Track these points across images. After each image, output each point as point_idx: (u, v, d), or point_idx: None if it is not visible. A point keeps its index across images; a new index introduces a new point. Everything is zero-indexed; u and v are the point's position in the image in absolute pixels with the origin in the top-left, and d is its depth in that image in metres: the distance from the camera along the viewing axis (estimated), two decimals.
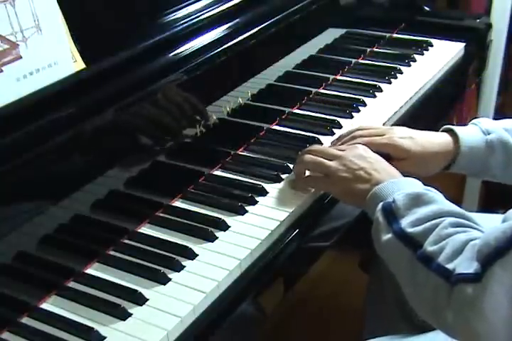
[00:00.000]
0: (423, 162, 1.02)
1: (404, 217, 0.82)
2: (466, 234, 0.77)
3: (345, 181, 0.93)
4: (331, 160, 0.96)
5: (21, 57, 0.78)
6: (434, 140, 1.03)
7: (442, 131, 1.06)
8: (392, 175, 0.92)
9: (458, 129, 1.03)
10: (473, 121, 1.07)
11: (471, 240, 0.75)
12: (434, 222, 0.79)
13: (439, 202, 0.83)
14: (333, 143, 1.10)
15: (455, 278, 0.73)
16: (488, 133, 1.02)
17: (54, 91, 0.82)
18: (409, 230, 0.80)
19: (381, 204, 0.85)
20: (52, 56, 0.82)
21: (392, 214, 0.83)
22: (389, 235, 0.82)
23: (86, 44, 0.87)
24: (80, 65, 0.85)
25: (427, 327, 1.01)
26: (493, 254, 0.70)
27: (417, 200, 0.83)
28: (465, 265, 0.73)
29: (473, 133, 1.03)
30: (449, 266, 0.74)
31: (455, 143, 1.02)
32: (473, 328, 0.72)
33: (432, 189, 0.86)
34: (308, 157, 0.98)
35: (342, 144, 1.05)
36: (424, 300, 0.78)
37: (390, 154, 1.02)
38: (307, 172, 1.02)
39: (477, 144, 1.02)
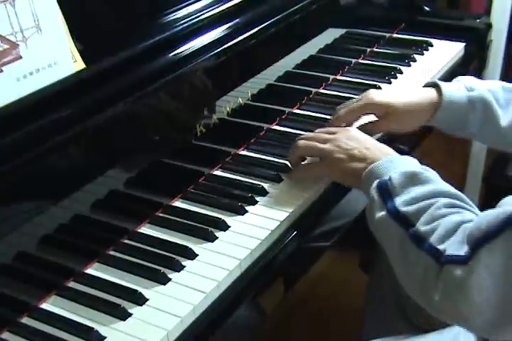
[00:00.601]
0: (405, 115, 1.04)
1: (399, 196, 0.82)
2: (459, 214, 0.78)
3: (340, 162, 0.93)
4: (324, 143, 0.97)
5: (21, 57, 0.78)
6: (415, 93, 1.06)
7: (427, 85, 1.08)
8: (387, 153, 0.92)
9: (442, 83, 1.06)
10: (458, 78, 1.10)
11: (464, 222, 0.76)
12: (428, 201, 0.80)
13: (435, 181, 0.83)
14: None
15: (445, 258, 0.74)
16: (471, 90, 1.05)
17: (54, 91, 0.82)
18: (403, 209, 0.80)
19: (376, 181, 0.85)
20: (52, 56, 0.82)
21: (387, 192, 0.83)
22: (382, 212, 0.82)
23: (86, 44, 0.87)
24: (80, 65, 0.85)
25: (427, 327, 1.01)
26: (483, 238, 0.71)
27: (412, 179, 0.83)
28: (455, 247, 0.73)
29: (456, 88, 1.06)
30: (440, 247, 0.75)
31: (438, 97, 1.04)
32: (459, 309, 0.73)
33: (429, 168, 0.86)
34: (302, 142, 1.00)
35: (329, 124, 1.08)
36: (413, 280, 0.79)
37: (373, 113, 1.04)
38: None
39: (459, 99, 1.04)
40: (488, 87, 1.05)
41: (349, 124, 1.06)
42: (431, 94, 1.05)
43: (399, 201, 0.81)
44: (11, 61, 0.77)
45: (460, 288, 0.71)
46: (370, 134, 1.05)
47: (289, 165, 1.04)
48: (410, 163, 0.88)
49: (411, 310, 1.11)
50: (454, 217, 0.77)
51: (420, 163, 0.88)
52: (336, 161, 0.94)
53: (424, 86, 1.09)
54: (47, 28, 0.81)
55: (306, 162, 1.03)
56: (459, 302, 0.72)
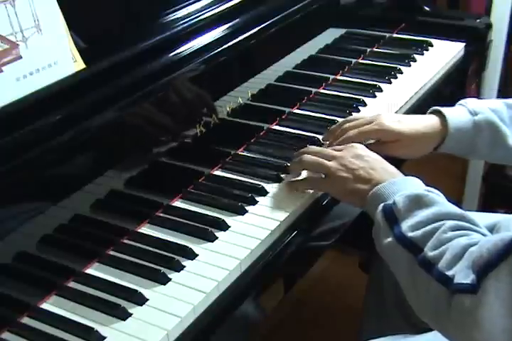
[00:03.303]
0: (413, 143, 1.04)
1: (405, 220, 0.82)
2: (467, 237, 0.77)
3: (346, 181, 0.92)
4: (329, 160, 0.96)
5: (21, 57, 0.78)
6: (422, 122, 1.05)
7: (430, 112, 1.08)
8: (392, 174, 0.92)
9: (445, 110, 1.05)
10: (461, 101, 1.08)
11: (471, 245, 0.75)
12: (434, 225, 0.79)
13: (440, 203, 0.83)
14: (325, 138, 1.12)
15: (454, 287, 0.73)
16: (476, 114, 1.04)
17: (54, 91, 0.82)
18: (410, 234, 0.80)
19: (381, 205, 0.85)
20: (52, 56, 0.82)
21: (392, 216, 0.83)
22: (390, 238, 0.82)
23: (86, 44, 0.87)
24: (80, 65, 0.85)
25: (426, 327, 1.01)
26: (487, 266, 0.71)
27: (417, 202, 0.83)
28: (463, 274, 0.73)
29: (460, 113, 1.05)
30: (449, 273, 0.74)
31: (443, 124, 1.04)
32: (472, 337, 0.72)
33: (434, 190, 0.86)
34: (308, 157, 0.98)
35: (334, 138, 1.07)
36: (425, 305, 0.79)
37: (382, 139, 1.03)
38: (304, 172, 1.02)
39: (464, 125, 1.03)
40: (492, 107, 1.04)
41: None
42: (436, 122, 1.04)
43: (405, 226, 0.81)
44: (11, 61, 0.77)
45: (471, 317, 0.71)
46: None
47: (290, 173, 1.03)
48: (414, 185, 0.87)
49: (411, 310, 1.11)
50: (461, 241, 0.76)
51: (425, 183, 0.88)
52: (341, 180, 0.93)
53: (428, 113, 1.08)
54: (47, 28, 0.81)
55: (306, 173, 1.02)
56: (471, 330, 0.72)
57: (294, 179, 1.02)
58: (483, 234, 0.79)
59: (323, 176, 0.97)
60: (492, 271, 0.70)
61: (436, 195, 0.84)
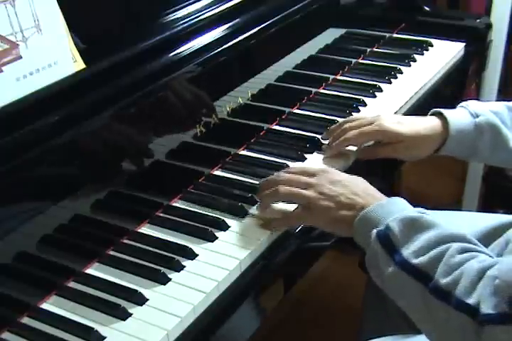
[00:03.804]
0: (414, 145, 1.03)
1: (405, 246, 0.78)
2: (477, 260, 0.74)
3: (329, 210, 0.87)
4: (305, 189, 0.90)
5: (21, 57, 0.78)
6: (422, 123, 1.05)
7: (431, 114, 1.07)
8: (375, 196, 0.87)
9: (447, 112, 1.04)
10: (462, 103, 1.08)
11: (485, 269, 0.72)
12: (438, 249, 0.76)
13: (438, 225, 0.79)
14: (324, 137, 1.12)
15: (482, 318, 0.69)
16: (477, 116, 1.03)
17: (54, 91, 0.82)
18: (415, 261, 0.76)
19: (375, 232, 0.81)
20: (52, 56, 0.82)
21: (390, 243, 0.79)
22: (391, 267, 0.78)
23: (86, 44, 0.87)
24: (80, 65, 0.85)
25: None
26: None
27: (413, 226, 0.79)
28: (490, 304, 0.69)
29: (461, 116, 1.04)
30: (470, 302, 0.71)
31: (444, 126, 1.03)
32: None
33: (424, 210, 0.83)
34: (283, 189, 0.91)
35: (333, 139, 1.07)
36: (447, 336, 0.75)
37: (382, 140, 1.03)
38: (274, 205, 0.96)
39: (466, 127, 1.03)
40: (493, 110, 1.03)
41: (357, 145, 1.07)
42: (437, 124, 1.03)
43: (406, 252, 0.77)
44: (11, 61, 0.77)
45: None
46: (374, 157, 1.06)
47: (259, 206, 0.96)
48: (402, 207, 0.83)
49: None
50: (473, 265, 0.73)
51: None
52: (323, 210, 0.88)
53: (430, 115, 1.07)
54: (47, 28, 0.81)
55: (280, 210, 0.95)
56: None
57: (265, 214, 0.95)
58: (488, 255, 0.77)
59: (297, 207, 0.92)
60: None
61: (428, 216, 0.80)
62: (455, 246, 0.76)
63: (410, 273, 0.76)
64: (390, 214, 0.81)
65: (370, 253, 0.82)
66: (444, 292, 0.73)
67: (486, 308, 0.69)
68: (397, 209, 0.82)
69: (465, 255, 0.75)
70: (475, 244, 0.78)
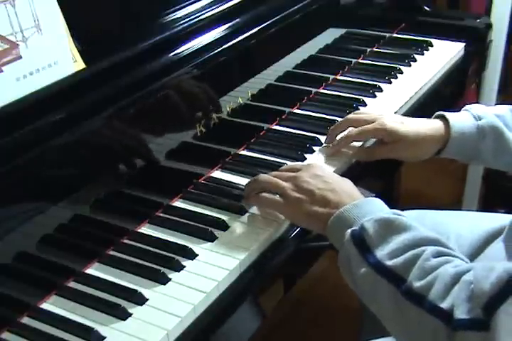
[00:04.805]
0: (415, 146, 1.03)
1: (379, 248, 0.77)
2: (451, 264, 0.74)
3: (301, 203, 0.87)
4: (286, 181, 0.91)
5: (21, 57, 0.78)
6: (425, 124, 1.05)
7: (434, 117, 1.07)
8: (352, 196, 0.86)
9: (449, 115, 1.04)
10: (466, 107, 1.08)
11: (460, 274, 0.72)
12: (413, 252, 0.75)
13: (413, 228, 0.78)
14: (328, 139, 1.12)
15: (455, 323, 0.69)
16: (480, 119, 1.03)
17: (54, 91, 0.82)
18: (389, 263, 0.75)
19: (349, 232, 0.80)
20: (52, 56, 0.82)
21: (364, 244, 0.78)
22: (365, 268, 0.77)
23: (86, 44, 0.87)
24: (80, 65, 0.85)
25: None
26: (495, 301, 0.67)
27: (388, 227, 0.78)
28: (463, 309, 0.69)
29: (464, 118, 1.04)
30: (444, 306, 0.70)
31: (446, 129, 1.03)
32: None
33: (400, 212, 0.82)
34: (263, 176, 0.94)
35: (336, 130, 1.08)
36: (418, 338, 0.74)
37: (384, 139, 1.03)
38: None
39: (468, 130, 1.02)
40: (496, 113, 1.03)
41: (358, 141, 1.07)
42: (439, 126, 1.03)
43: (380, 254, 0.76)
44: (11, 61, 0.77)
45: None
46: (375, 157, 1.06)
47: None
48: (379, 208, 0.83)
49: None
50: (447, 269, 0.73)
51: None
52: (295, 202, 0.87)
53: (433, 118, 1.07)
54: (47, 28, 0.81)
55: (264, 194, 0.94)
56: None
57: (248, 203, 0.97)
58: (463, 259, 0.76)
59: (278, 197, 0.92)
60: (502, 305, 0.66)
61: (404, 218, 0.80)
62: (430, 249, 0.75)
63: (383, 274, 0.75)
64: (365, 214, 0.81)
65: (343, 253, 0.81)
66: (418, 295, 0.72)
67: (460, 313, 0.69)
68: (373, 210, 0.82)
69: (440, 259, 0.74)
70: (447, 248, 0.77)
